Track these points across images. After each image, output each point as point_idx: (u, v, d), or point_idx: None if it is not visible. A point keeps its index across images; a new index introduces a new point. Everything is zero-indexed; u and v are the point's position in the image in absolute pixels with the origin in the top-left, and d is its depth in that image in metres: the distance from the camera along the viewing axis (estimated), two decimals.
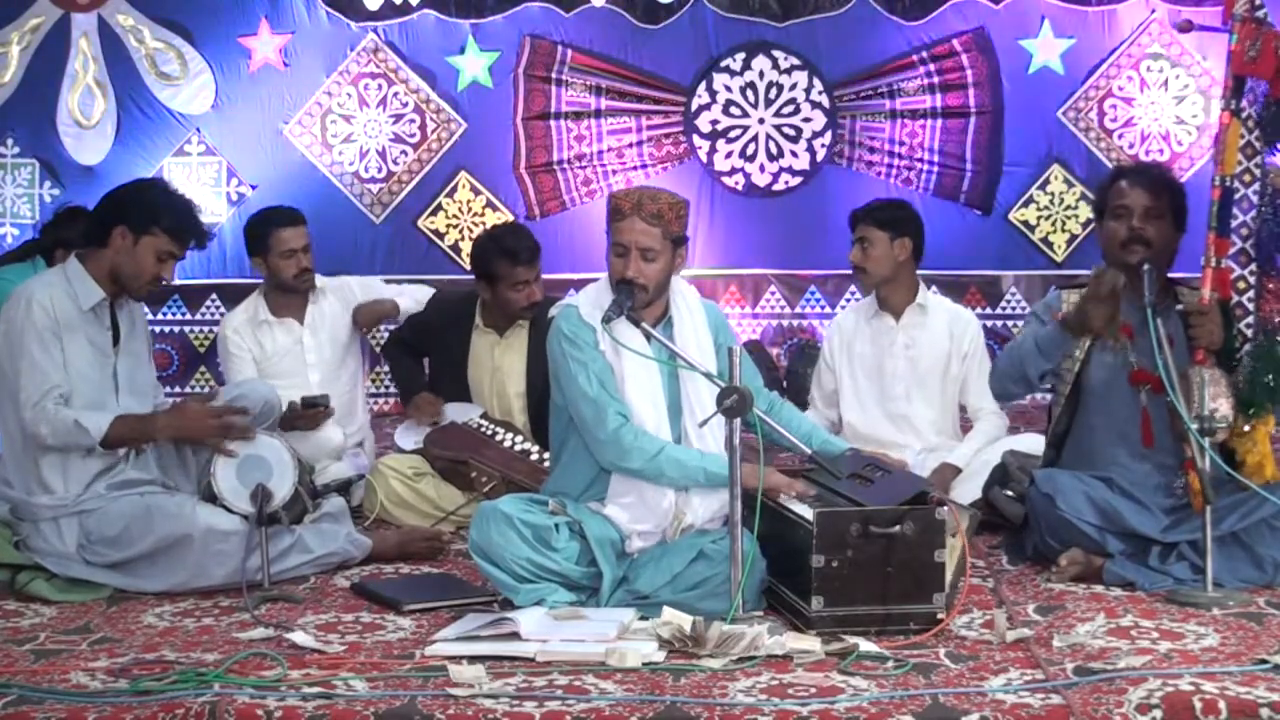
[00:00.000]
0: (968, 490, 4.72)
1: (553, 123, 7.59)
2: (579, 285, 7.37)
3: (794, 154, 7.57)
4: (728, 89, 7.57)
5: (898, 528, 3.53)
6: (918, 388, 5.12)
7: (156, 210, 4.18)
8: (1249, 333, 4.09)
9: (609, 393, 3.81)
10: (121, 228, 4.14)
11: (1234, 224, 4.09)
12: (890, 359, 5.13)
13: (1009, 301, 7.52)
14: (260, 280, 5.49)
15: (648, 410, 3.84)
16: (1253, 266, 4.14)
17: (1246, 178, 4.14)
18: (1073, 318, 4.06)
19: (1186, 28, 4.35)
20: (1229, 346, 4.04)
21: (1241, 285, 4.16)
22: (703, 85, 7.57)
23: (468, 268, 5.62)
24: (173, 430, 4.18)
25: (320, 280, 5.46)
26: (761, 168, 7.59)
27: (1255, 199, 4.12)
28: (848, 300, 7.37)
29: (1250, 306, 4.12)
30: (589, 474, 3.93)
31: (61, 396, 4.06)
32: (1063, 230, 7.49)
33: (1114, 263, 4.18)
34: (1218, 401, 3.89)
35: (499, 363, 5.24)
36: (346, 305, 5.49)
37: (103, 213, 4.22)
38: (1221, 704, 2.93)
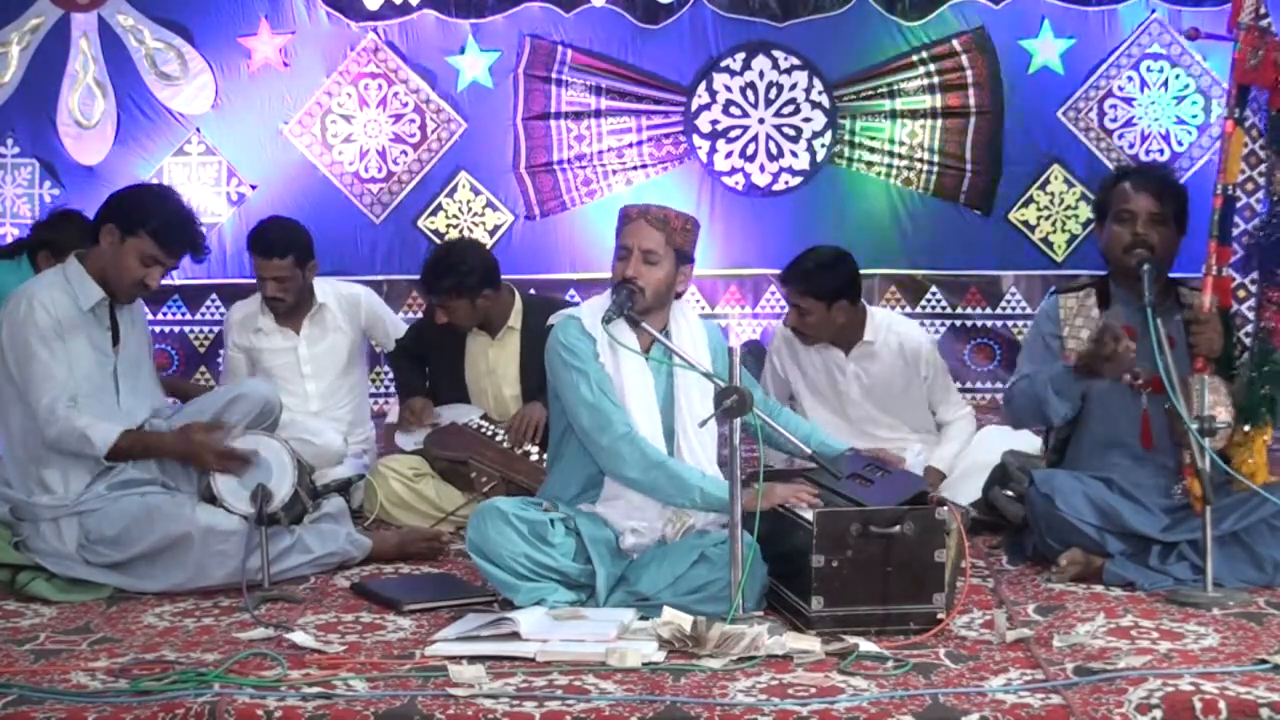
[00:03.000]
0: (967, 489, 4.72)
1: (553, 123, 7.58)
2: (579, 285, 7.46)
3: (794, 154, 7.57)
4: (728, 89, 7.56)
5: (898, 528, 3.53)
6: (878, 407, 5.08)
7: (146, 212, 4.17)
8: (1248, 341, 4.09)
9: (611, 400, 3.82)
10: (110, 225, 4.14)
11: (1235, 232, 4.10)
12: (845, 386, 5.08)
13: (1009, 301, 7.52)
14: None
15: (643, 414, 3.86)
16: (1254, 275, 4.14)
17: (1249, 186, 4.14)
18: (1084, 369, 4.03)
19: (1194, 35, 4.36)
20: (1228, 355, 4.04)
21: (1242, 294, 4.16)
22: (703, 85, 7.57)
23: None
24: (177, 457, 4.19)
25: (324, 291, 5.45)
26: (761, 168, 7.58)
27: (1258, 207, 4.12)
28: None
29: (1250, 315, 4.12)
30: (584, 478, 3.94)
31: (72, 399, 4.06)
32: (1063, 230, 7.48)
33: (1116, 266, 4.18)
34: (1217, 409, 3.90)
35: (493, 365, 5.24)
36: (351, 319, 5.49)
37: (99, 211, 4.23)
38: (1221, 704, 2.93)
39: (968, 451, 4.99)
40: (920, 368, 5.08)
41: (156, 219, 4.17)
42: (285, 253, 5.25)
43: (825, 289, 4.94)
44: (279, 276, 5.26)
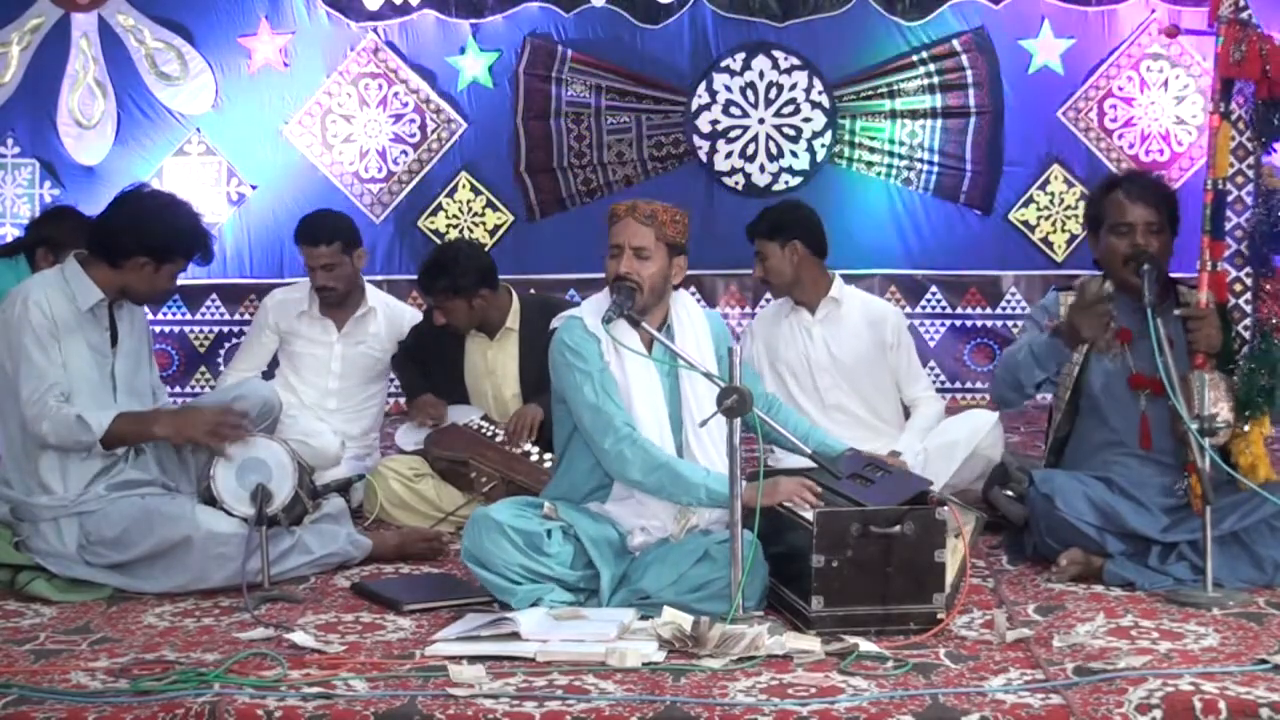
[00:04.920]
0: (937, 469, 4.71)
1: (553, 123, 7.58)
2: (578, 285, 7.45)
3: (794, 154, 7.57)
4: (728, 89, 7.56)
5: (898, 528, 3.53)
6: (845, 378, 5.08)
7: (179, 241, 4.21)
8: (1247, 335, 4.09)
9: (614, 402, 3.83)
10: (143, 258, 4.14)
11: (1228, 226, 4.10)
12: (813, 351, 5.10)
13: (1009, 301, 7.52)
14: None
15: (649, 416, 3.85)
16: (1248, 269, 4.14)
17: (1239, 179, 4.14)
18: (1065, 328, 4.05)
19: (1173, 33, 4.34)
20: (1227, 349, 4.04)
21: (1238, 288, 4.16)
22: (703, 85, 7.57)
23: None
24: (171, 428, 4.18)
25: (375, 298, 5.49)
26: (761, 168, 7.59)
27: (1249, 200, 4.12)
28: None
29: (1248, 309, 4.12)
30: (595, 478, 3.94)
31: (62, 394, 4.06)
32: (1063, 230, 7.48)
33: (1115, 278, 4.16)
34: (1219, 405, 3.89)
35: (492, 366, 5.24)
36: (393, 333, 5.49)
37: (119, 238, 4.15)
38: (1221, 704, 2.93)
39: (940, 431, 4.99)
40: (886, 333, 5.10)
41: (187, 242, 4.22)
42: (331, 239, 5.31)
43: (774, 226, 5.08)
44: (327, 264, 5.31)
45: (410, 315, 5.67)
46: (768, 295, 7.52)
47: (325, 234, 5.32)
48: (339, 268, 5.33)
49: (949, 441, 4.84)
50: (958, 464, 4.75)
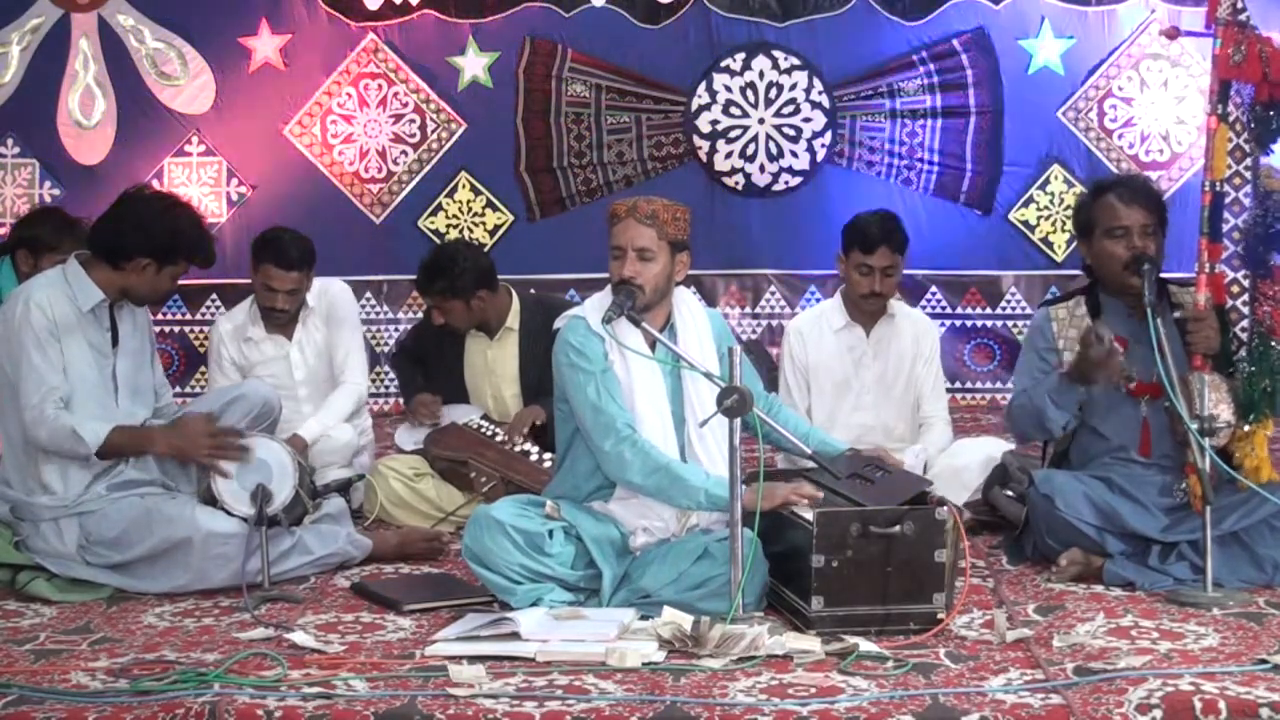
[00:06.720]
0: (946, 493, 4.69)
1: (552, 122, 7.58)
2: (578, 286, 7.45)
3: (794, 154, 7.56)
4: (728, 89, 7.56)
5: (898, 528, 3.53)
6: (885, 397, 5.03)
7: (181, 242, 4.20)
8: (1244, 336, 4.09)
9: (616, 403, 3.82)
10: (146, 260, 4.14)
11: (1226, 228, 4.09)
12: (859, 372, 5.01)
13: (1009, 301, 7.52)
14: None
15: (652, 414, 3.85)
16: (1246, 270, 4.14)
17: (1237, 180, 4.14)
18: (1075, 374, 4.03)
19: (1173, 35, 4.34)
20: (1225, 351, 4.04)
21: (1235, 289, 4.16)
22: (703, 85, 7.56)
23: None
24: (170, 448, 4.18)
25: (314, 295, 5.32)
26: (761, 168, 7.58)
27: (1247, 202, 4.12)
28: None
29: (1245, 310, 4.12)
30: (597, 476, 3.93)
31: (61, 399, 4.06)
32: (1063, 230, 7.47)
33: (1113, 282, 4.15)
34: (1219, 407, 3.89)
35: (492, 365, 5.24)
36: (328, 324, 5.36)
37: (122, 239, 4.15)
38: (1221, 704, 2.94)
39: (951, 453, 4.94)
40: (925, 346, 5.04)
41: (189, 244, 4.21)
42: (303, 265, 5.18)
43: (903, 240, 4.96)
44: (293, 290, 5.17)
45: (336, 286, 5.46)
46: (771, 289, 7.55)
47: (299, 260, 5.15)
48: (299, 294, 5.21)
49: (960, 466, 4.78)
50: (968, 493, 4.71)
